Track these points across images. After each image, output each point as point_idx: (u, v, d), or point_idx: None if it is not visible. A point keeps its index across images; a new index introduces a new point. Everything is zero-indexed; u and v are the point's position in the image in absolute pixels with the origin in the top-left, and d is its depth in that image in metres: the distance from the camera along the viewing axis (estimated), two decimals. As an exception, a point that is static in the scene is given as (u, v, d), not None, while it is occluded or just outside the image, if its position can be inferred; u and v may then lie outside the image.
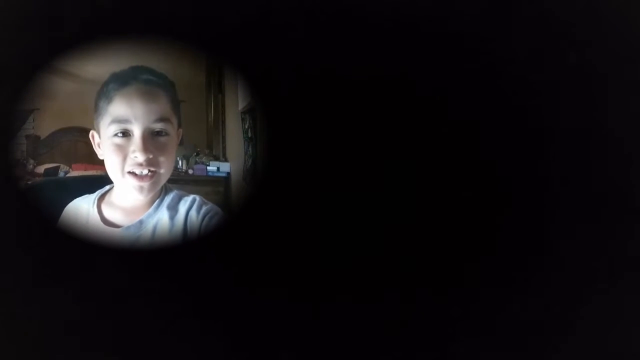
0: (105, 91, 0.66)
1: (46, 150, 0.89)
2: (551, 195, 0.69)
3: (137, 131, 0.64)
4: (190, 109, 1.08)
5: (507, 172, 0.70)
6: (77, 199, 0.70)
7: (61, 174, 0.88)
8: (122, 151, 0.64)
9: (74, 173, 0.82)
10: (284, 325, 0.69)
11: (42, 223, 0.72)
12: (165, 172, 0.67)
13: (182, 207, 0.69)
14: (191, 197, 0.71)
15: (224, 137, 1.06)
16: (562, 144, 0.69)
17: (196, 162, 1.02)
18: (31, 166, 0.87)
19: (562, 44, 0.69)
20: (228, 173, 0.99)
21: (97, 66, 0.75)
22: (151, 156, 0.64)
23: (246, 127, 0.94)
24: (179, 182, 1.00)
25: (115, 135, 0.64)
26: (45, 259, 0.69)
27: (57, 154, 0.87)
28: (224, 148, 1.05)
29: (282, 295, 0.68)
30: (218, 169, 1.00)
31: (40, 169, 0.88)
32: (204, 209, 0.69)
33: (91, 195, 0.70)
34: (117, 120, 0.64)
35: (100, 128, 0.67)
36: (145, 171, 0.65)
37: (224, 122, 1.07)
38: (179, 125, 0.70)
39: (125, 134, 0.64)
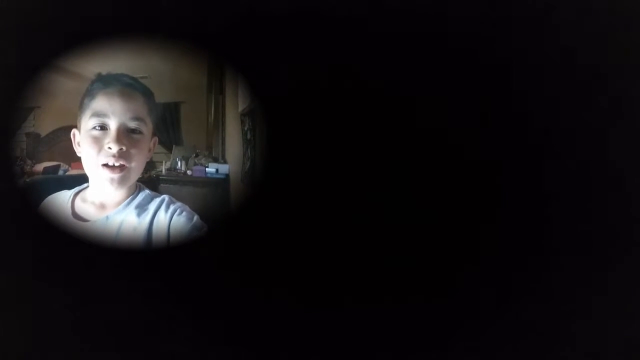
0: (90, 90, 0.73)
1: (46, 149, 0.89)
2: (550, 196, 0.69)
3: (113, 125, 0.71)
4: (190, 110, 1.08)
5: (506, 172, 0.70)
6: (58, 192, 0.76)
7: (61, 172, 0.88)
8: (98, 143, 0.70)
9: (73, 171, 0.82)
10: (282, 325, 0.68)
11: (41, 220, 0.72)
12: (135, 166, 0.72)
13: (152, 207, 0.74)
14: (161, 197, 0.75)
15: (223, 139, 1.06)
16: (562, 143, 0.69)
17: (195, 164, 1.02)
18: (29, 167, 0.87)
19: (561, 44, 0.69)
20: (227, 175, 0.99)
21: (99, 65, 0.77)
22: (124, 148, 0.70)
23: (245, 129, 0.94)
24: (178, 182, 1.00)
25: (94, 128, 0.71)
26: (44, 256, 0.69)
27: (57, 152, 0.87)
28: (224, 150, 1.05)
29: (281, 296, 0.68)
30: (217, 170, 1.00)
31: (40, 167, 0.88)
32: (171, 207, 0.73)
33: (70, 190, 0.76)
34: (97, 114, 0.71)
35: (81, 123, 0.73)
36: (117, 163, 0.70)
37: (224, 123, 1.07)
38: (154, 133, 0.76)
39: (103, 127, 0.71)
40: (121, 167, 0.71)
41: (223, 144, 1.05)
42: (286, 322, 0.69)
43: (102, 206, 0.74)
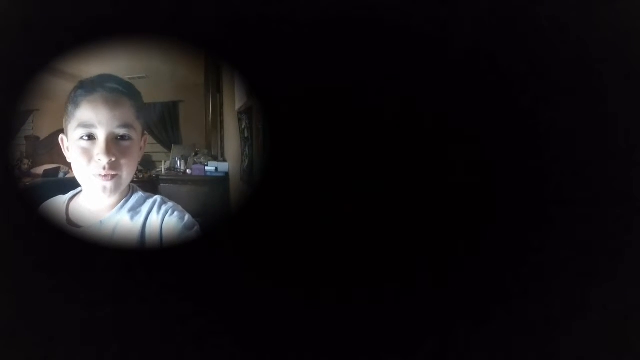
0: (73, 97, 0.71)
1: (46, 151, 0.89)
2: (549, 194, 0.69)
3: (101, 135, 0.70)
4: (188, 109, 1.08)
5: (505, 172, 0.70)
6: (53, 198, 0.75)
7: (61, 175, 0.88)
8: (87, 154, 0.70)
9: (73, 174, 0.82)
10: (282, 323, 0.69)
11: (41, 223, 0.72)
12: (127, 174, 0.73)
13: (144, 209, 0.74)
14: (154, 197, 0.75)
15: (222, 137, 1.06)
16: (561, 143, 0.69)
17: (194, 162, 1.02)
18: (26, 166, 0.87)
19: (559, 45, 0.69)
20: (226, 173, 0.99)
21: (97, 67, 0.77)
22: (114, 159, 0.70)
23: (243, 127, 0.94)
24: (178, 182, 1.00)
25: (81, 138, 0.70)
26: (44, 258, 0.70)
27: (57, 155, 0.87)
28: (222, 148, 1.05)
29: (281, 294, 0.69)
30: (216, 168, 1.00)
31: (40, 169, 0.88)
32: (163, 208, 0.73)
33: (65, 196, 0.76)
34: (83, 125, 0.70)
35: (68, 130, 0.72)
36: (108, 173, 0.70)
37: (222, 122, 1.07)
38: (145, 132, 0.76)
39: (91, 137, 0.70)
40: (113, 176, 0.71)
41: (222, 142, 1.06)
42: (284, 321, 0.69)
43: (96, 211, 0.74)
